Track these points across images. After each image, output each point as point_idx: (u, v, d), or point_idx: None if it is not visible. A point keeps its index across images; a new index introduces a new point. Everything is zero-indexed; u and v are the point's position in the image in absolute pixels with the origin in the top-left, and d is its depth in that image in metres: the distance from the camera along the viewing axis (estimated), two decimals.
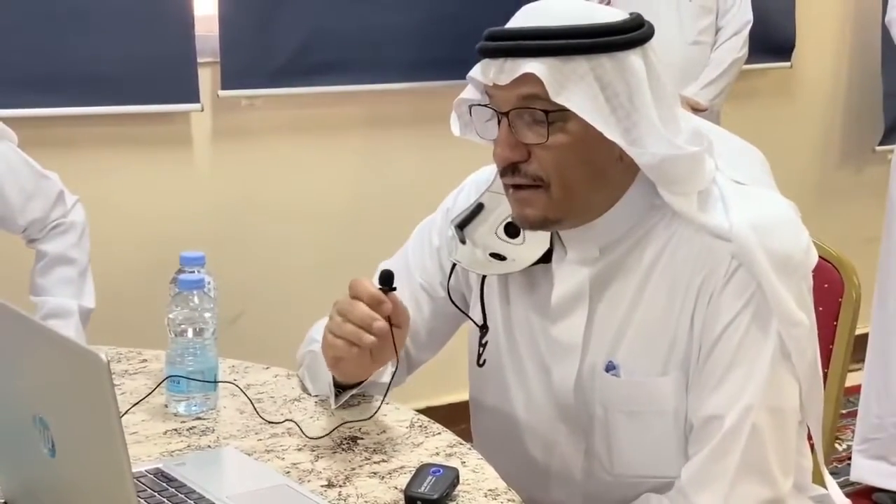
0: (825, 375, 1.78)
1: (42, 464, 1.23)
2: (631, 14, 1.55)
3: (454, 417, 2.19)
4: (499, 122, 1.54)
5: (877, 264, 3.37)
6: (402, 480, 1.48)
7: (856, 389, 3.37)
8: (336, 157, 3.55)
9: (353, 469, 1.53)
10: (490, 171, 1.71)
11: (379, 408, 1.69)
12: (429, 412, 1.81)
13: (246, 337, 3.21)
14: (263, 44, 3.32)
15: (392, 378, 1.68)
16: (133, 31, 3.11)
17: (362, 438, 1.63)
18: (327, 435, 1.63)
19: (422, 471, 1.47)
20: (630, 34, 1.50)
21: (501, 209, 1.64)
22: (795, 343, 1.52)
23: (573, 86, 1.48)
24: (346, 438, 1.63)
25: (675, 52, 3.58)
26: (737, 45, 3.75)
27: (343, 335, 1.56)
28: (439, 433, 1.65)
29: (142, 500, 1.40)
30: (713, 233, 1.53)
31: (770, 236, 1.51)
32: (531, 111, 1.50)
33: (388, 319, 1.55)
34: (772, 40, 4.14)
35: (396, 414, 1.71)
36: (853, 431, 3.41)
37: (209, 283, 1.76)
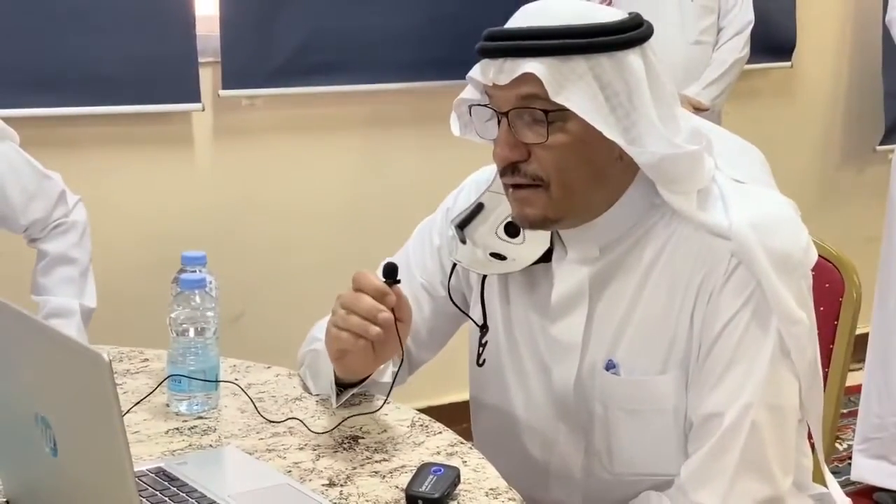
0: (825, 375, 1.78)
1: (44, 463, 1.23)
2: (630, 14, 1.55)
3: (455, 417, 2.19)
4: (498, 121, 1.54)
5: (877, 264, 3.36)
6: (404, 479, 1.48)
7: (856, 389, 3.37)
8: (336, 157, 3.55)
9: (355, 468, 1.53)
10: (490, 170, 1.71)
11: (384, 403, 1.68)
12: (430, 411, 1.81)
13: (247, 336, 3.22)
14: (264, 44, 3.33)
15: (398, 370, 1.67)
16: (134, 31, 3.12)
17: (363, 438, 1.63)
18: (335, 428, 1.64)
19: (423, 470, 1.47)
20: (628, 34, 1.51)
21: (501, 209, 1.64)
22: (795, 341, 1.52)
23: (572, 85, 1.48)
24: (347, 438, 1.63)
25: (676, 51, 3.58)
26: (738, 45, 3.75)
27: (348, 327, 1.55)
28: (440, 432, 1.65)
29: (144, 500, 1.40)
30: (713, 231, 1.53)
31: (770, 235, 1.51)
32: (531, 111, 1.50)
33: (392, 312, 1.55)
34: (772, 40, 4.13)
35: (397, 413, 1.71)
36: (854, 431, 3.41)
37: (210, 282, 1.76)
